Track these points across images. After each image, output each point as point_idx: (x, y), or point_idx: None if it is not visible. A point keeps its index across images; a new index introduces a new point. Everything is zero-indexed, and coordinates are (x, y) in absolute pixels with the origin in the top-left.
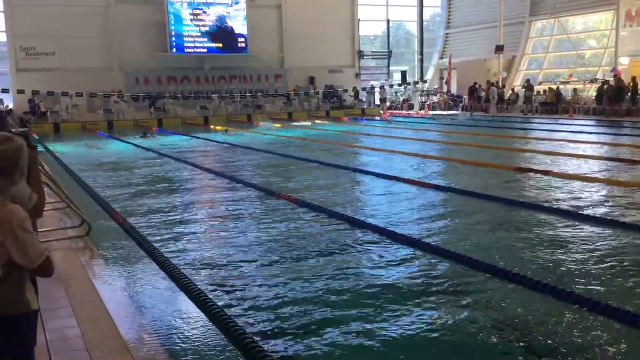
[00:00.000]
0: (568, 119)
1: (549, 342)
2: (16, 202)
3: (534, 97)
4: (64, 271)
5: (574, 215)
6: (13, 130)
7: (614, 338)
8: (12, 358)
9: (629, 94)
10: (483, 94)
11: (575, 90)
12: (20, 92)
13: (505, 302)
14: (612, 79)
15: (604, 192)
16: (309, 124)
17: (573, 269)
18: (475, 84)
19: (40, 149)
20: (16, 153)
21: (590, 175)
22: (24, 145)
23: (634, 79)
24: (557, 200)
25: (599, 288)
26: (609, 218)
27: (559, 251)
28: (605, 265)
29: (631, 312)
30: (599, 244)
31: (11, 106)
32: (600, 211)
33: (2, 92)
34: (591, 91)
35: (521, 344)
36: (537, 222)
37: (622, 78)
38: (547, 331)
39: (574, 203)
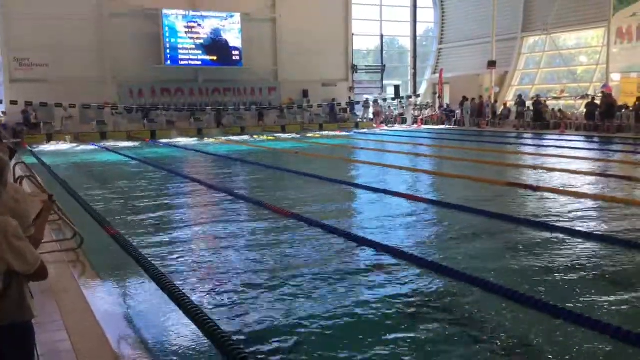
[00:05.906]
0: (558, 135)
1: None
2: None
3: (525, 112)
4: (56, 284)
5: (565, 231)
6: (5, 141)
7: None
8: None
9: (623, 110)
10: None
11: (560, 110)
12: (13, 102)
13: (500, 318)
14: (600, 94)
15: (594, 207)
16: (298, 136)
17: (560, 282)
18: (464, 97)
19: (32, 160)
20: (1, 163)
21: (579, 191)
22: (7, 159)
23: (638, 98)
24: (549, 215)
25: (584, 300)
26: (601, 234)
27: (549, 265)
28: (583, 275)
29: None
30: (589, 258)
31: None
32: (592, 226)
33: None
34: (582, 107)
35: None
36: (533, 238)
37: (613, 94)
38: (547, 349)
39: (564, 218)
